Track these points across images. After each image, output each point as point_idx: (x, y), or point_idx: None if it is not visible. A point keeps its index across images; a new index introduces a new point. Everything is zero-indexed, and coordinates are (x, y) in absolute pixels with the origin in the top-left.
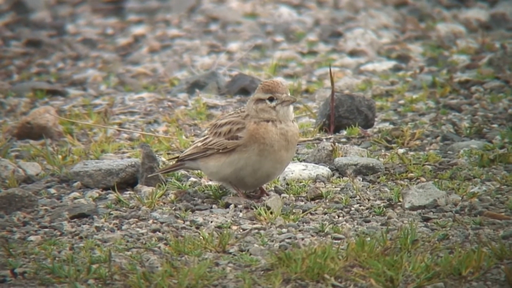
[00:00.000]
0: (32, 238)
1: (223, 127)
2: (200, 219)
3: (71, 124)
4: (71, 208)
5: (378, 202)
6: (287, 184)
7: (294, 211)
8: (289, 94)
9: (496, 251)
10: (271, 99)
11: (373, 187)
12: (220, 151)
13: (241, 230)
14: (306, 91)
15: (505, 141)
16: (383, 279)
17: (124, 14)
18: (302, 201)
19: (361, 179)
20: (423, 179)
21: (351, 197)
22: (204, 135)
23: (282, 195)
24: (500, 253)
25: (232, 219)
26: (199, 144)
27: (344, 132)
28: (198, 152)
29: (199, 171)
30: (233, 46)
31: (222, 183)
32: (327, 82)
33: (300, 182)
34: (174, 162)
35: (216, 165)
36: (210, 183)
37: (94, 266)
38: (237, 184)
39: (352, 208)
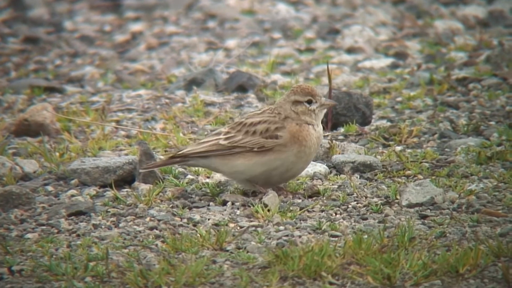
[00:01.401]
0: (29, 235)
1: (258, 126)
2: (197, 217)
3: (68, 121)
4: (69, 205)
5: (375, 199)
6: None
7: (291, 208)
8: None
9: (493, 248)
10: (309, 102)
11: (371, 184)
12: (255, 149)
13: (238, 228)
14: None
15: (503, 139)
16: (380, 276)
17: (121, 11)
18: (300, 198)
19: (358, 177)
20: (420, 176)
21: (348, 195)
22: (214, 133)
23: (280, 192)
24: (497, 251)
25: (230, 216)
26: (223, 141)
27: (342, 130)
28: (219, 150)
29: (199, 168)
30: (231, 43)
31: (242, 182)
32: (325, 79)
33: (298, 180)
34: (167, 157)
35: (245, 164)
36: (207, 180)
37: (91, 264)
38: (262, 182)
39: (350, 206)
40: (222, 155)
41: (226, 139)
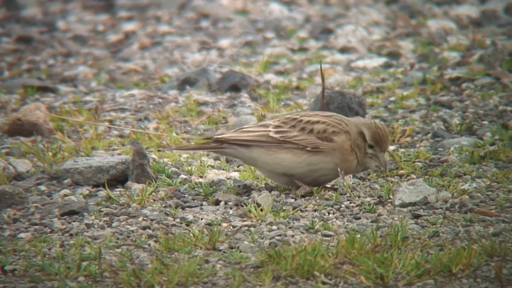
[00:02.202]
0: (22, 235)
1: (316, 125)
2: (190, 216)
3: (61, 121)
4: (61, 205)
5: (368, 199)
6: None
7: (284, 208)
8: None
9: (486, 248)
10: (371, 146)
11: (364, 184)
12: (308, 148)
13: (231, 227)
14: (297, 88)
15: (496, 138)
16: (373, 276)
17: (115, 10)
18: (293, 198)
19: (351, 176)
20: (413, 176)
21: (341, 194)
22: (259, 124)
23: (272, 192)
24: (490, 250)
25: (222, 216)
26: (273, 134)
27: None
28: (267, 142)
29: (192, 168)
30: (224, 42)
31: (276, 176)
32: (318, 79)
33: None
34: (202, 140)
35: (292, 160)
36: (200, 180)
37: (84, 263)
38: (297, 178)
39: (342, 205)
40: (268, 147)
41: (277, 132)
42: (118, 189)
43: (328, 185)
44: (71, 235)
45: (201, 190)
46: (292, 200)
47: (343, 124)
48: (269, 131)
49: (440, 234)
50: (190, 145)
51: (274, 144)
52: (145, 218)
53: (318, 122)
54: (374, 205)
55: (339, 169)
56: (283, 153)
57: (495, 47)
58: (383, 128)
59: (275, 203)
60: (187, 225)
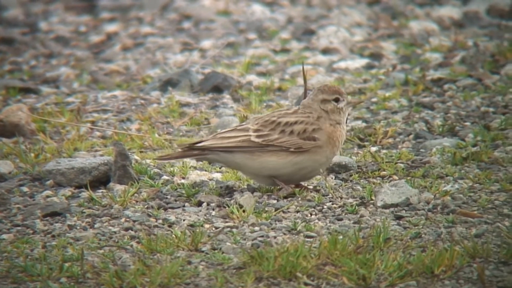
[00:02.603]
0: (4, 236)
1: (295, 126)
2: (172, 218)
3: (44, 122)
4: (44, 206)
5: (350, 200)
6: None
7: (266, 209)
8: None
9: (468, 249)
10: (337, 100)
11: (346, 185)
12: (291, 149)
13: (213, 229)
14: (279, 89)
15: (478, 139)
16: (356, 277)
17: (97, 11)
18: (275, 199)
19: (333, 177)
20: (395, 177)
21: (323, 195)
22: (239, 128)
23: (255, 193)
24: (472, 252)
25: (205, 217)
26: (255, 139)
27: None
28: (250, 147)
29: (174, 169)
30: (206, 43)
31: (263, 179)
32: (300, 80)
33: None
34: (184, 149)
35: (278, 162)
36: (182, 181)
37: (66, 265)
38: (284, 180)
39: (325, 207)
40: (251, 152)
41: (258, 136)
42: (101, 190)
43: (310, 186)
44: (53, 236)
45: (184, 191)
46: (275, 201)
47: (310, 114)
48: (250, 135)
49: (422, 235)
50: (173, 154)
51: (257, 148)
52: (128, 219)
53: (296, 122)
54: (356, 206)
55: (321, 170)
56: (268, 156)
57: (477, 48)
58: (328, 83)
59: (257, 204)
60: (170, 226)
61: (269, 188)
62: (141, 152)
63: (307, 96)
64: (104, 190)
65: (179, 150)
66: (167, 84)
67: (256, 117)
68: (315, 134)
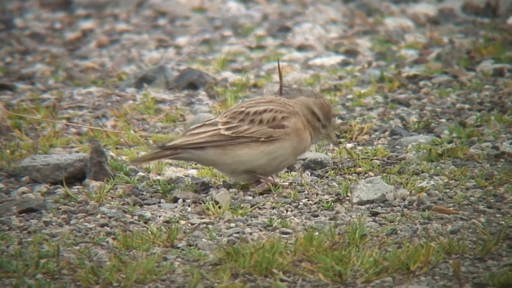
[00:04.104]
0: None
1: (264, 114)
2: (148, 214)
3: (19, 118)
4: (20, 202)
5: (326, 196)
6: None
7: (242, 205)
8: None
9: (444, 246)
10: (323, 126)
11: (321, 181)
12: (262, 139)
13: (189, 225)
14: (255, 85)
15: (453, 136)
16: (332, 273)
17: (72, 8)
18: (251, 195)
19: (309, 174)
20: (371, 173)
21: (299, 192)
22: (208, 123)
23: (230, 189)
24: (448, 248)
25: (180, 213)
26: (224, 132)
27: None
28: (220, 141)
29: (150, 166)
30: (181, 40)
31: (238, 174)
32: (276, 77)
33: None
34: (155, 150)
35: (251, 154)
36: (158, 177)
37: (42, 261)
38: (260, 172)
39: (301, 203)
40: (223, 146)
41: (228, 129)
42: (76, 187)
43: (286, 183)
44: (29, 232)
45: (159, 188)
46: (250, 198)
47: (288, 106)
48: (219, 128)
49: (398, 231)
50: (145, 156)
51: (228, 142)
52: (103, 216)
53: (265, 111)
54: (332, 203)
55: (299, 169)
56: (239, 149)
57: (453, 45)
58: (329, 102)
59: (233, 200)
60: (145, 222)
61: (245, 184)
62: (116, 148)
63: (302, 94)
64: (79, 187)
65: (151, 151)
66: (143, 81)
67: (225, 111)
68: (284, 122)
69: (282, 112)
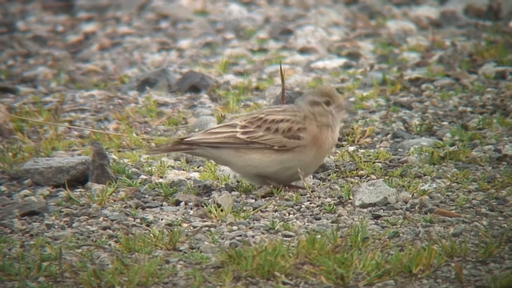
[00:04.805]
0: None
1: (281, 124)
2: (150, 217)
3: (21, 121)
4: (22, 205)
5: (328, 199)
6: (238, 181)
7: (244, 208)
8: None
9: (446, 248)
10: (327, 103)
11: (324, 184)
12: (275, 147)
13: (191, 228)
14: (257, 88)
15: (456, 139)
16: (334, 276)
17: (74, 11)
18: (253, 198)
19: (311, 177)
20: (373, 176)
21: (301, 195)
22: (227, 124)
23: (233, 192)
24: (450, 251)
25: (183, 216)
26: (240, 135)
27: None
28: (235, 143)
29: (152, 168)
30: (184, 43)
31: (251, 177)
32: (278, 80)
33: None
34: (173, 143)
35: (263, 160)
36: (160, 180)
37: (44, 264)
38: (272, 179)
39: (303, 206)
40: (237, 148)
41: (244, 133)
42: (79, 190)
43: (293, 183)
44: (31, 235)
45: (161, 191)
46: (253, 201)
47: (296, 110)
48: (236, 131)
49: (400, 234)
50: (162, 147)
51: (242, 145)
52: (106, 219)
53: (282, 120)
54: (334, 206)
55: (299, 170)
56: (253, 154)
57: (455, 48)
58: (323, 85)
59: (235, 203)
60: (148, 225)
61: (247, 187)
62: (118, 151)
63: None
64: (82, 190)
65: (169, 144)
66: (145, 84)
67: (247, 113)
68: (300, 133)
69: (298, 123)
